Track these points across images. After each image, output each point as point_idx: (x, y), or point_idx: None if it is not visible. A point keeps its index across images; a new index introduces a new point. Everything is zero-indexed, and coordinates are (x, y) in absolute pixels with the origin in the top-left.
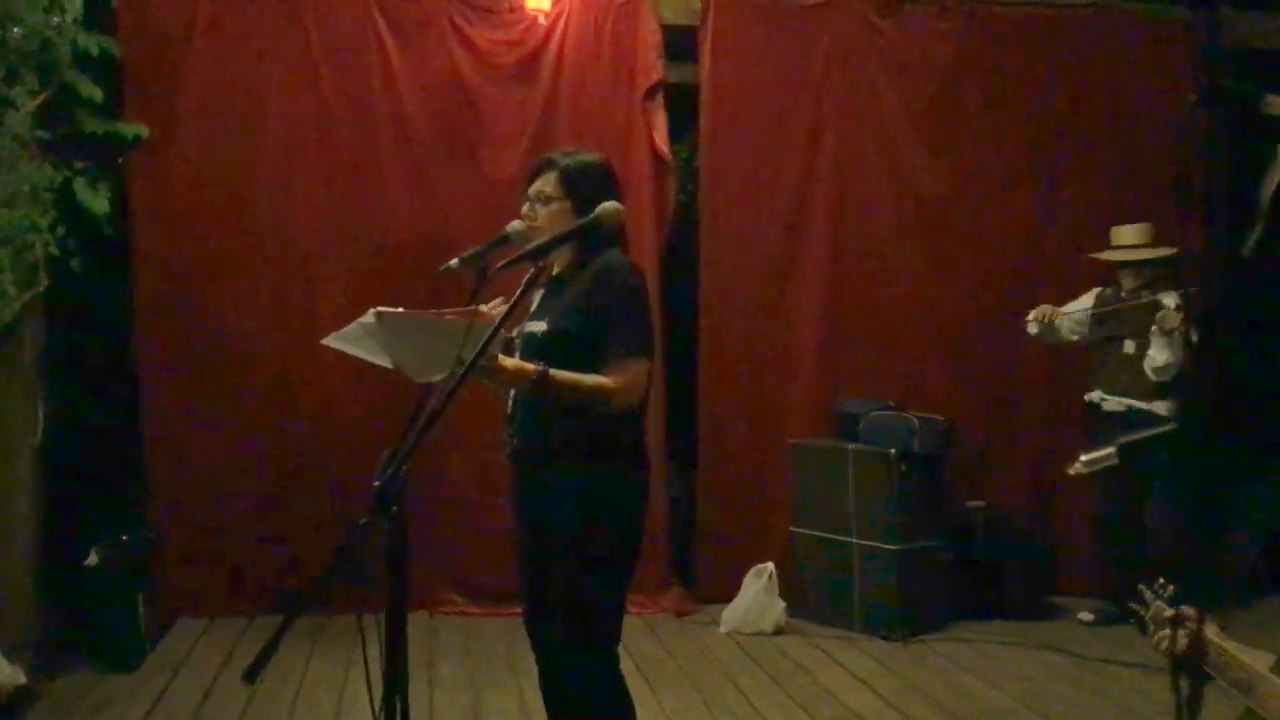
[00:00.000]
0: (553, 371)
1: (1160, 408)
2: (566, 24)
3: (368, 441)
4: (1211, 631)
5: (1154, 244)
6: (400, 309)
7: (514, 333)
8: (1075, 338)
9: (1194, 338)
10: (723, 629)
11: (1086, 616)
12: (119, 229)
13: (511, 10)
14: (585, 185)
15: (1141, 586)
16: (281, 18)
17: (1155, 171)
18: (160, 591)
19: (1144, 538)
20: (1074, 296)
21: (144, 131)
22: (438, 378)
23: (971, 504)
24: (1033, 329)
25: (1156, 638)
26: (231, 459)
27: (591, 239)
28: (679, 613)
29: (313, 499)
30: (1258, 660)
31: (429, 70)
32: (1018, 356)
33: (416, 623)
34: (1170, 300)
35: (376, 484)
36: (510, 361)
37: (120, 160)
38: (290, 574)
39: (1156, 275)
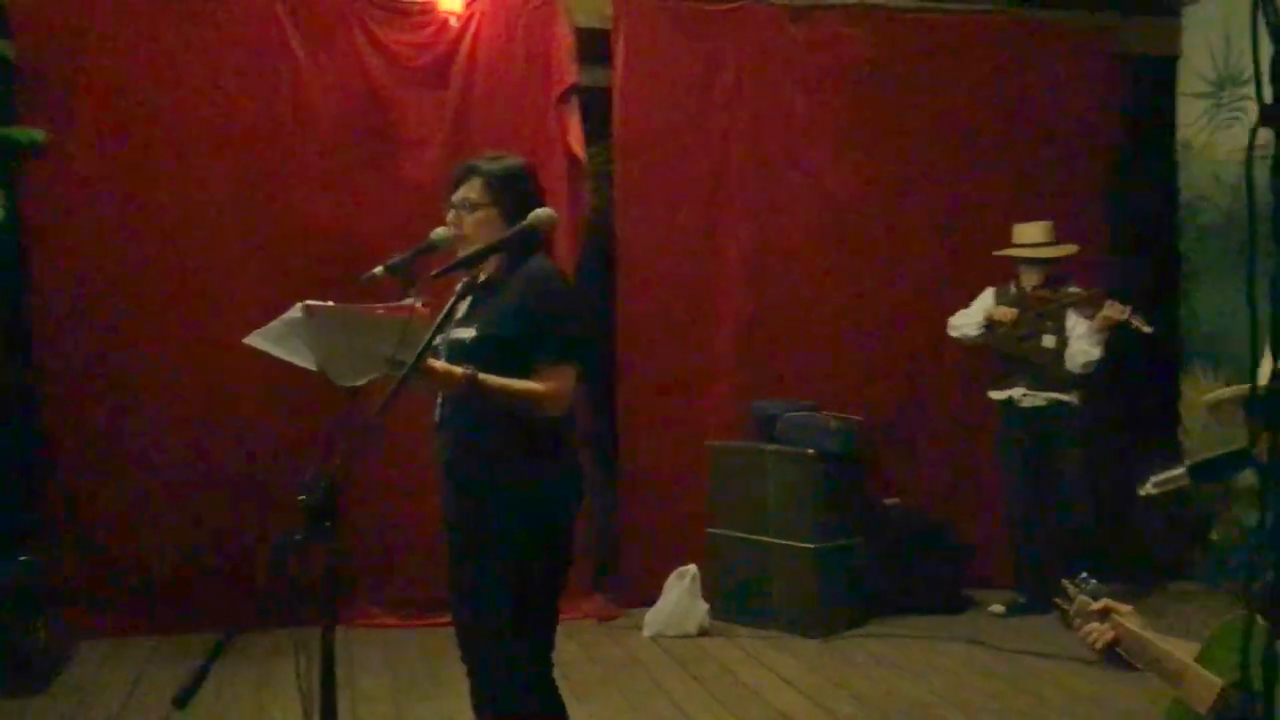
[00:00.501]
0: (481, 375)
1: (1075, 398)
2: (479, 26)
3: (281, 453)
4: (1136, 623)
5: (1055, 242)
6: (329, 303)
7: (437, 339)
8: (971, 332)
9: (1147, 329)
10: (646, 632)
11: (998, 609)
12: (14, 237)
13: (423, 12)
14: (511, 191)
15: (1064, 581)
16: (183, 18)
17: (1061, 173)
18: (65, 613)
19: (1052, 529)
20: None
21: (40, 136)
22: (363, 380)
23: (887, 501)
24: (973, 330)
25: (1083, 631)
26: (138, 475)
27: (521, 245)
28: (601, 618)
29: (224, 515)
30: (1183, 650)
31: (339, 72)
32: (929, 354)
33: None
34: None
35: (303, 498)
36: (440, 364)
37: (15, 166)
38: (200, 593)
39: (1056, 272)
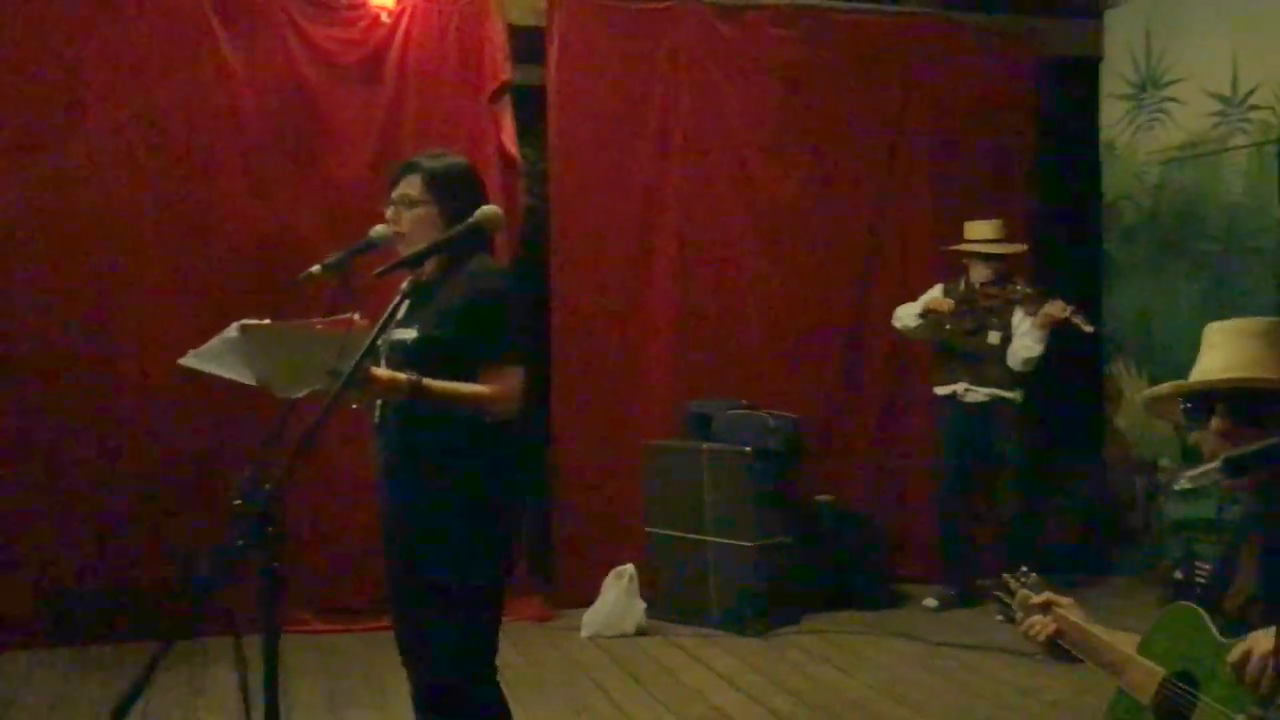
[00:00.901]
0: (426, 381)
1: (1015, 395)
2: (410, 23)
3: (199, 456)
4: (1078, 615)
5: (1006, 240)
6: (266, 321)
7: (379, 341)
8: (911, 324)
9: (1089, 327)
10: (584, 633)
11: (931, 603)
12: None
13: (353, 8)
14: (451, 189)
15: (1005, 575)
16: (103, 7)
17: (987, 173)
18: None
19: (989, 523)
20: (911, 295)
21: None
22: (304, 392)
23: (820, 498)
24: (912, 321)
25: (1025, 625)
26: (50, 482)
27: (465, 244)
28: (538, 619)
29: (144, 522)
30: (1124, 642)
31: (266, 68)
32: (859, 352)
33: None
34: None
35: (238, 502)
36: (383, 372)
37: None
38: (121, 602)
39: (1006, 269)
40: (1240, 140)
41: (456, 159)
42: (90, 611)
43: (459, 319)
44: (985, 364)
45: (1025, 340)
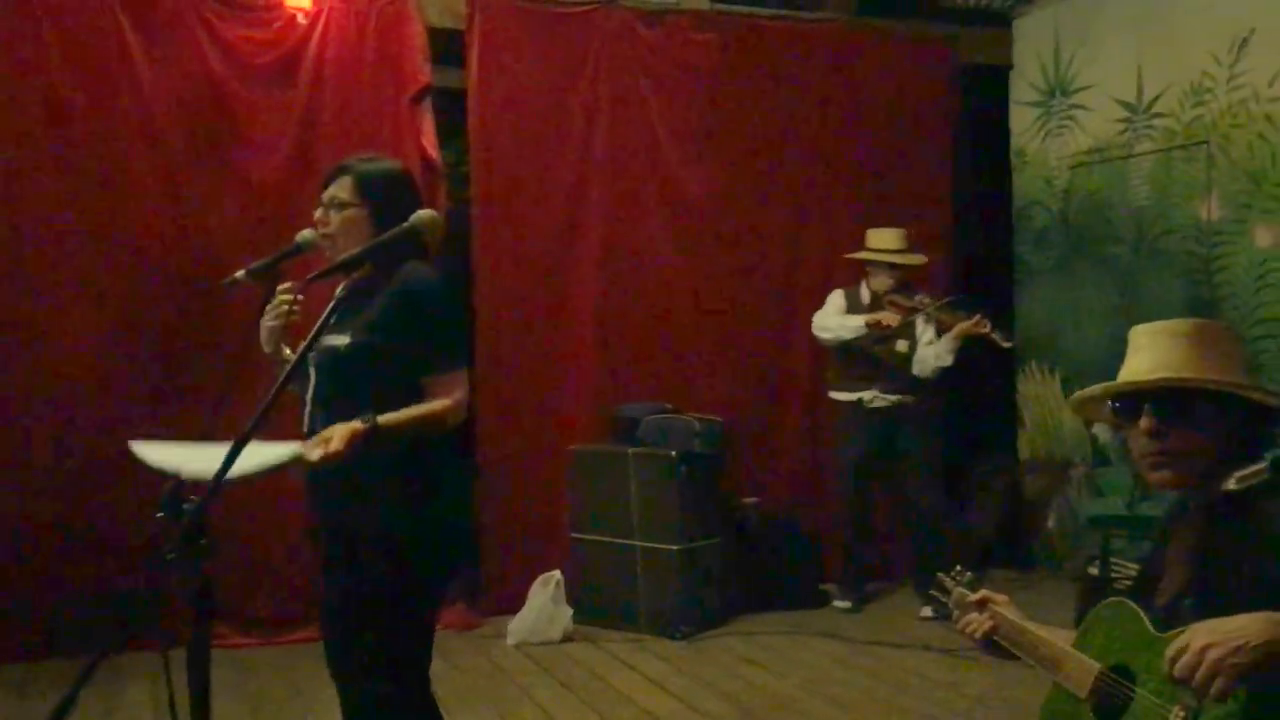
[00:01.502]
0: (381, 420)
1: (916, 398)
2: (327, 24)
3: (116, 467)
4: (1013, 612)
5: (908, 249)
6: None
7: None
8: (847, 335)
9: (1007, 344)
10: (510, 641)
11: (843, 605)
12: None
13: (268, 8)
14: (382, 192)
15: (940, 574)
16: (5, 4)
17: (904, 178)
18: None
19: (902, 526)
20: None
21: None
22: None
23: (746, 500)
24: (849, 335)
25: (962, 623)
26: None
27: (398, 249)
28: (463, 627)
29: (56, 536)
30: (1060, 637)
31: (178, 68)
32: (781, 355)
33: (179, 659)
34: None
35: (159, 515)
36: (340, 429)
37: None
38: (37, 619)
39: (906, 277)
40: (1146, 146)
41: (389, 162)
42: (5, 630)
43: (392, 325)
44: (893, 371)
45: (937, 350)
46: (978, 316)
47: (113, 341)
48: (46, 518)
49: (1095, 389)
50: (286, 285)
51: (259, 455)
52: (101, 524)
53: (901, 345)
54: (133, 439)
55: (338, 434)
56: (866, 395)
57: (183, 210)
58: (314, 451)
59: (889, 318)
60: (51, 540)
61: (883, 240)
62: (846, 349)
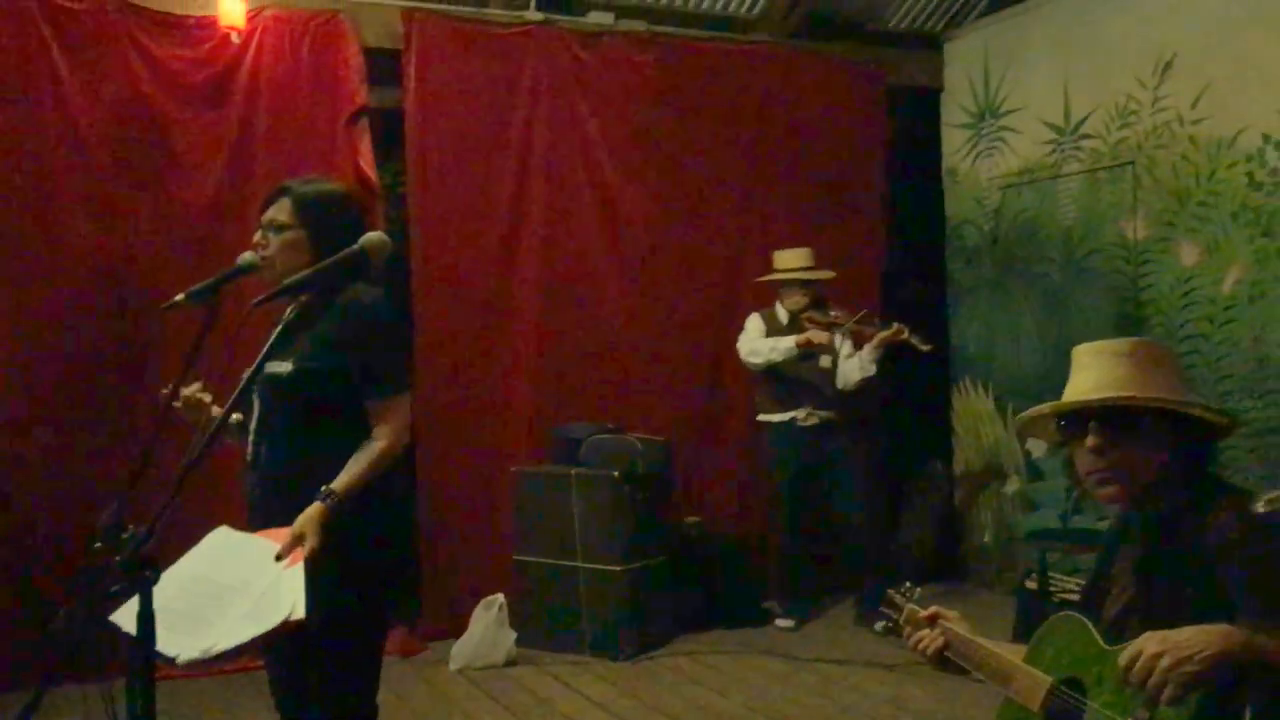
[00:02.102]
0: (336, 487)
1: (846, 414)
2: (262, 44)
3: (54, 496)
4: (964, 627)
5: (815, 266)
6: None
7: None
8: (778, 358)
9: (925, 347)
10: (453, 666)
11: (785, 623)
12: None
13: (201, 27)
14: (322, 215)
15: (890, 591)
16: None
17: (839, 198)
18: None
19: (837, 543)
20: (775, 316)
21: None
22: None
23: (688, 519)
24: (780, 357)
25: (914, 639)
26: None
27: (340, 272)
28: (404, 653)
29: None
30: (1010, 652)
31: (107, 87)
32: (719, 374)
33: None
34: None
35: (98, 545)
36: (305, 528)
37: None
38: None
39: (816, 295)
40: (1073, 167)
41: (330, 185)
42: None
43: (336, 350)
44: (821, 389)
45: (860, 361)
46: (895, 325)
47: (37, 367)
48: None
49: (1044, 407)
50: (197, 385)
51: (252, 615)
52: (38, 558)
53: (825, 361)
54: (58, 475)
55: (307, 529)
56: (800, 414)
57: (113, 232)
58: (292, 555)
59: (819, 335)
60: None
61: (790, 260)
62: (773, 370)
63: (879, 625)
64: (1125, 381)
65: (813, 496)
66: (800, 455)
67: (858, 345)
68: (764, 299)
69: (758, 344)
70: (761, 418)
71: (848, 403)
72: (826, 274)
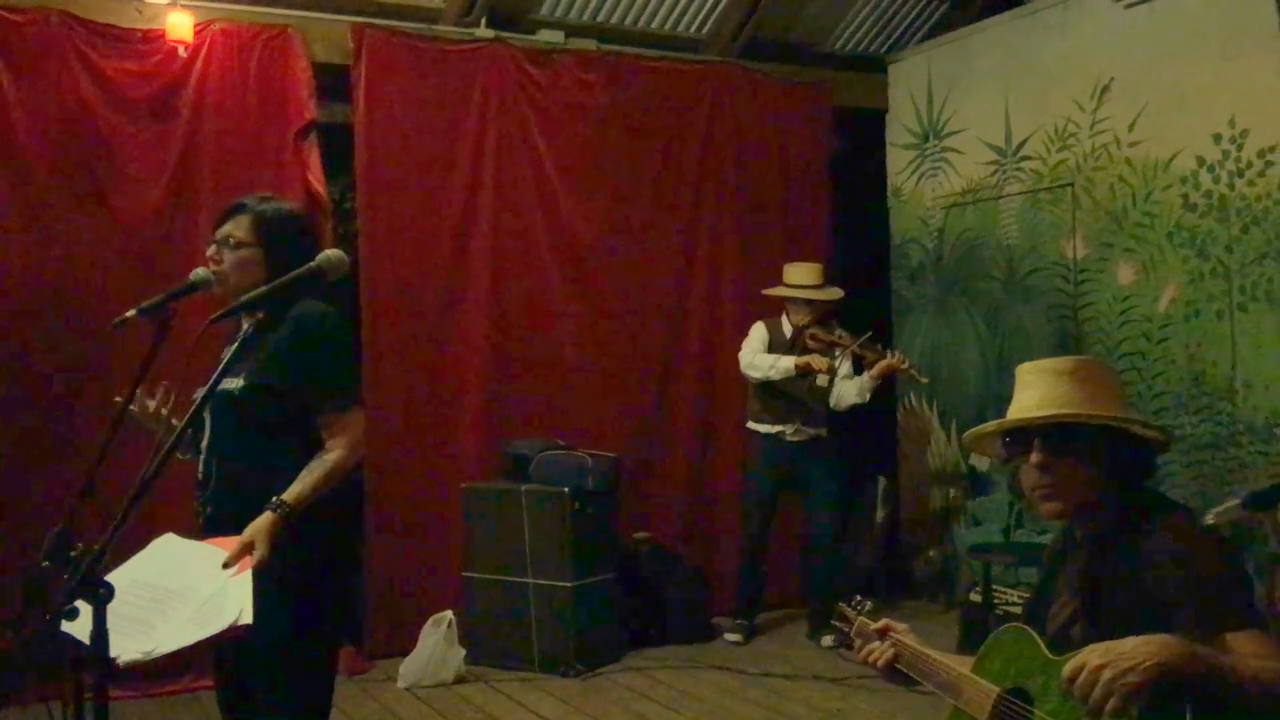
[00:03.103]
0: (288, 497)
1: (826, 431)
2: (209, 58)
3: None
4: (913, 640)
5: (824, 284)
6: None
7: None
8: (776, 376)
9: (924, 379)
10: (401, 684)
11: (734, 638)
12: None
13: (147, 40)
14: (278, 234)
15: (840, 604)
16: None
17: (786, 217)
18: None
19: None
20: (722, 333)
21: None
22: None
23: (637, 535)
24: (779, 376)
25: (864, 652)
26: None
27: (294, 289)
28: (350, 672)
29: None
30: (959, 663)
31: (48, 100)
32: (670, 390)
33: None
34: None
35: (45, 564)
36: (255, 536)
37: None
38: None
39: (822, 312)
40: (1014, 187)
41: (287, 204)
42: None
43: (287, 365)
44: (813, 407)
45: (859, 386)
46: (897, 353)
47: None
48: None
49: (990, 425)
50: (162, 394)
51: (196, 619)
52: None
53: (822, 380)
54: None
55: (258, 538)
56: (789, 429)
57: (51, 251)
58: (240, 563)
59: (819, 362)
60: None
61: (799, 275)
62: (769, 384)
63: (827, 640)
64: (1068, 399)
65: (781, 510)
66: (780, 468)
67: (857, 367)
68: (740, 311)
69: (759, 359)
70: (750, 425)
71: (835, 422)
72: (833, 294)
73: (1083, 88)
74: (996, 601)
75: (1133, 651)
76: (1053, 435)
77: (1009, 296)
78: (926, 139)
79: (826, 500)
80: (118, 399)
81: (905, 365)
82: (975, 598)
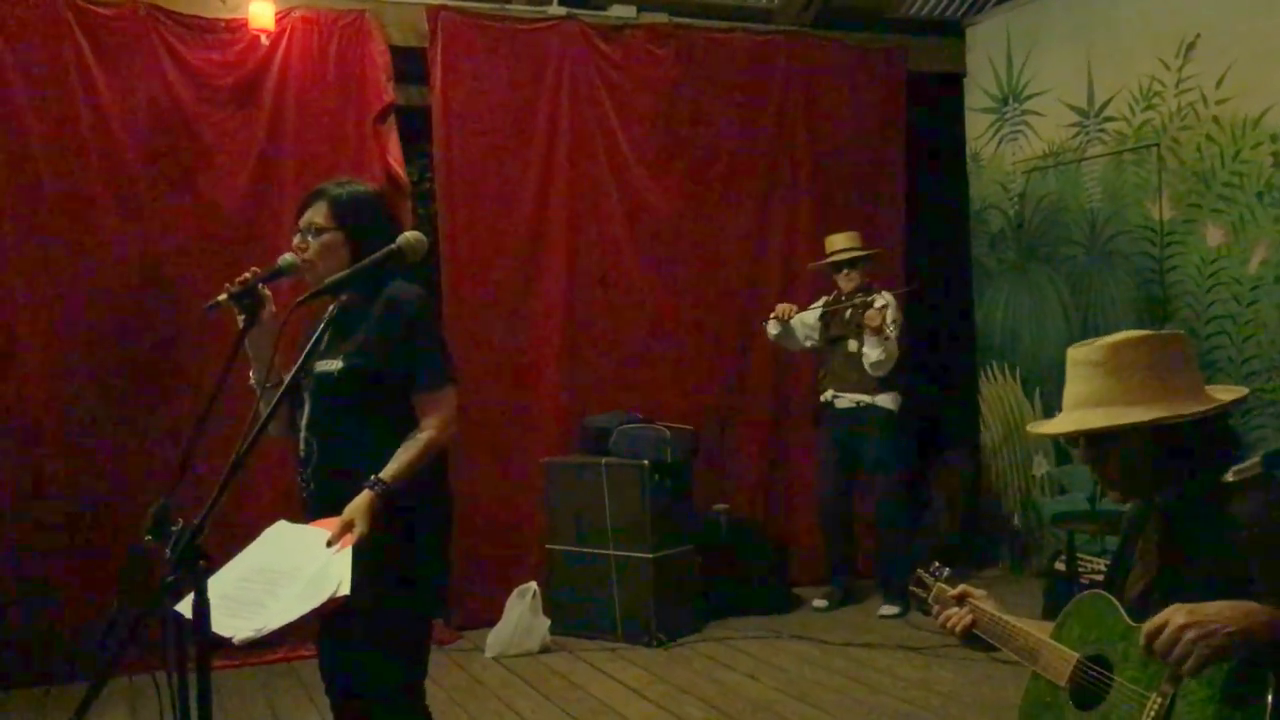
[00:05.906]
0: (384, 477)
1: (885, 400)
2: (290, 45)
3: (111, 491)
4: (991, 606)
5: (859, 248)
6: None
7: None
8: (809, 343)
9: (906, 287)
10: (488, 654)
11: (820, 604)
12: None
13: (230, 29)
14: (357, 216)
15: (919, 570)
16: None
17: (861, 185)
18: None
19: (855, 523)
20: (796, 303)
21: None
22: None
23: (716, 507)
24: (773, 329)
25: (942, 618)
26: None
27: (379, 270)
28: (439, 643)
29: (57, 562)
30: (1037, 628)
31: (139, 92)
32: (745, 363)
33: (143, 686)
34: (880, 300)
35: (148, 538)
36: (355, 515)
37: None
38: (41, 644)
39: (870, 277)
40: (1097, 149)
41: (363, 186)
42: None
43: (385, 348)
44: (847, 371)
45: (864, 348)
46: (875, 309)
47: (77, 368)
48: (46, 546)
49: (1031, 429)
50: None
51: (302, 595)
52: (93, 551)
53: (851, 345)
54: (101, 471)
55: (357, 516)
56: (829, 395)
57: (146, 235)
58: (342, 540)
59: (783, 309)
60: (52, 567)
61: (834, 243)
62: (817, 352)
63: (885, 609)
64: (1097, 399)
65: (848, 477)
66: (834, 435)
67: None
68: (812, 282)
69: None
70: (818, 396)
71: (880, 387)
72: (853, 251)
73: (1167, 45)
74: (1081, 570)
75: (1217, 615)
76: (1089, 438)
77: (1092, 261)
78: (1006, 102)
79: (881, 468)
80: (212, 374)
81: (879, 319)
82: (1060, 566)
